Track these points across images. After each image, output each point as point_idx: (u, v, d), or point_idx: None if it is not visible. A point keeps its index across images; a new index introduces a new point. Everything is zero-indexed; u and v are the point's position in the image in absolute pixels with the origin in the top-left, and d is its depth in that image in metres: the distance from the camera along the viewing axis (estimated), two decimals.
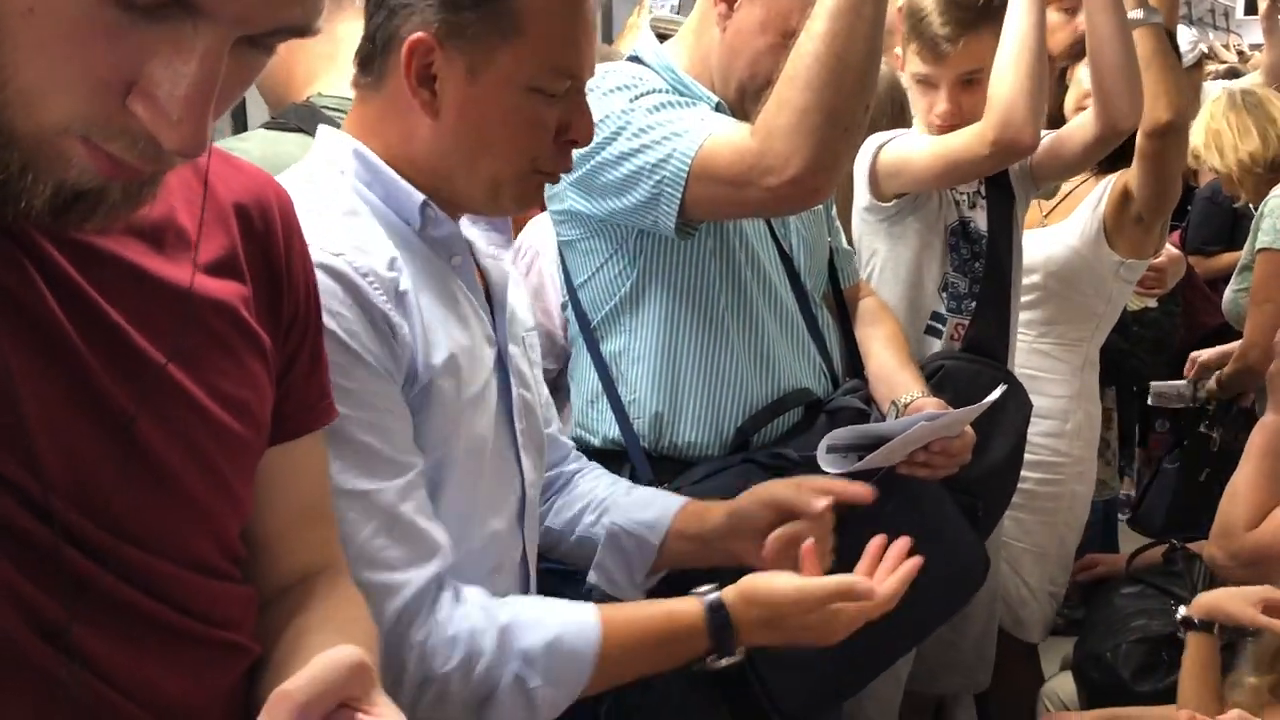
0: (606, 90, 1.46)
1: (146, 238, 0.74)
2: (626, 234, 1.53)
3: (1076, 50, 2.45)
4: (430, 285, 1.12)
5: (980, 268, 2.10)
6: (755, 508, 1.31)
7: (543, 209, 1.79)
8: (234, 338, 0.80)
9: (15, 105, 0.58)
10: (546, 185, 1.55)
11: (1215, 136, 3.08)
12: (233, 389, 0.79)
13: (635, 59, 1.62)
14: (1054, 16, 2.63)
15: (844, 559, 1.53)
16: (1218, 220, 3.48)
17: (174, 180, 0.77)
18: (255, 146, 1.44)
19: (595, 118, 1.42)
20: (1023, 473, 2.34)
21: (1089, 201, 2.38)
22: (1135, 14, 2.08)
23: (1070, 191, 2.47)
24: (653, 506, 1.38)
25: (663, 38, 1.64)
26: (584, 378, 1.63)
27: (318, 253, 0.97)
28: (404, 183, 1.12)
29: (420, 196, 1.12)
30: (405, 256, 1.10)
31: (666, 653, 1.17)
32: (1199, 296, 3.17)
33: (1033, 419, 2.33)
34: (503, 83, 1.08)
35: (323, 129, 1.19)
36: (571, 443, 1.49)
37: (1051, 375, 2.42)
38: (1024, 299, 2.37)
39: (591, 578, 1.39)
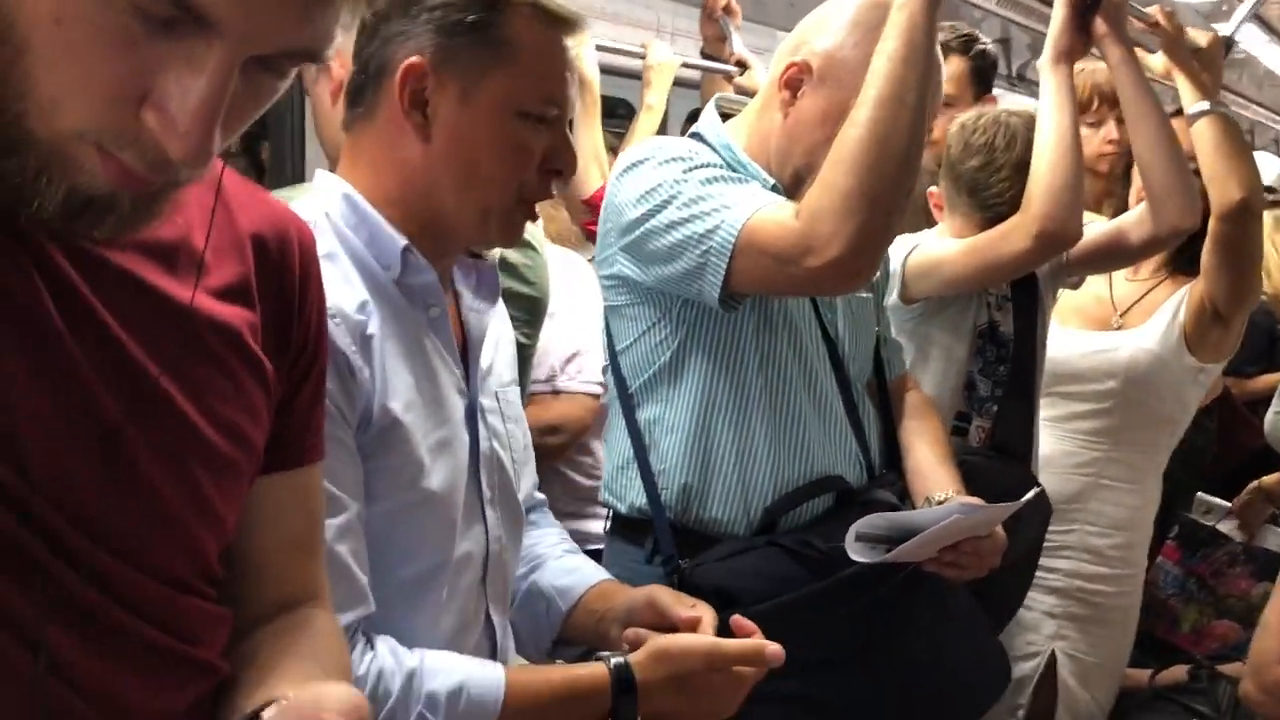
0: (662, 160, 1.43)
1: (158, 256, 0.73)
2: (672, 302, 1.48)
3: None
4: (399, 333, 1.10)
5: (1005, 371, 2.01)
6: (641, 604, 1.26)
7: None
8: (235, 362, 0.78)
9: (35, 111, 0.59)
10: (597, 250, 1.54)
11: (1264, 259, 3.00)
12: (228, 412, 0.77)
13: (696, 135, 1.59)
14: (1083, 130, 2.59)
15: (869, 650, 1.47)
16: (1256, 341, 3.35)
17: (193, 203, 0.76)
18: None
19: (649, 185, 1.41)
20: (1097, 585, 2.28)
21: (1168, 308, 2.27)
22: (1200, 105, 2.03)
23: (1145, 294, 2.35)
24: (574, 574, 1.34)
25: (726, 117, 1.61)
26: (616, 442, 1.57)
27: None
28: (388, 226, 1.11)
29: (402, 241, 1.10)
30: (377, 302, 1.09)
31: (569, 712, 1.13)
32: (1238, 419, 3.04)
33: (1108, 531, 2.28)
34: (494, 107, 1.09)
35: (320, 172, 1.19)
36: (537, 498, 1.44)
37: (1129, 485, 2.30)
38: (1097, 406, 2.27)
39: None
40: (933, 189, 2.08)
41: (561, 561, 1.37)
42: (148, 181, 0.63)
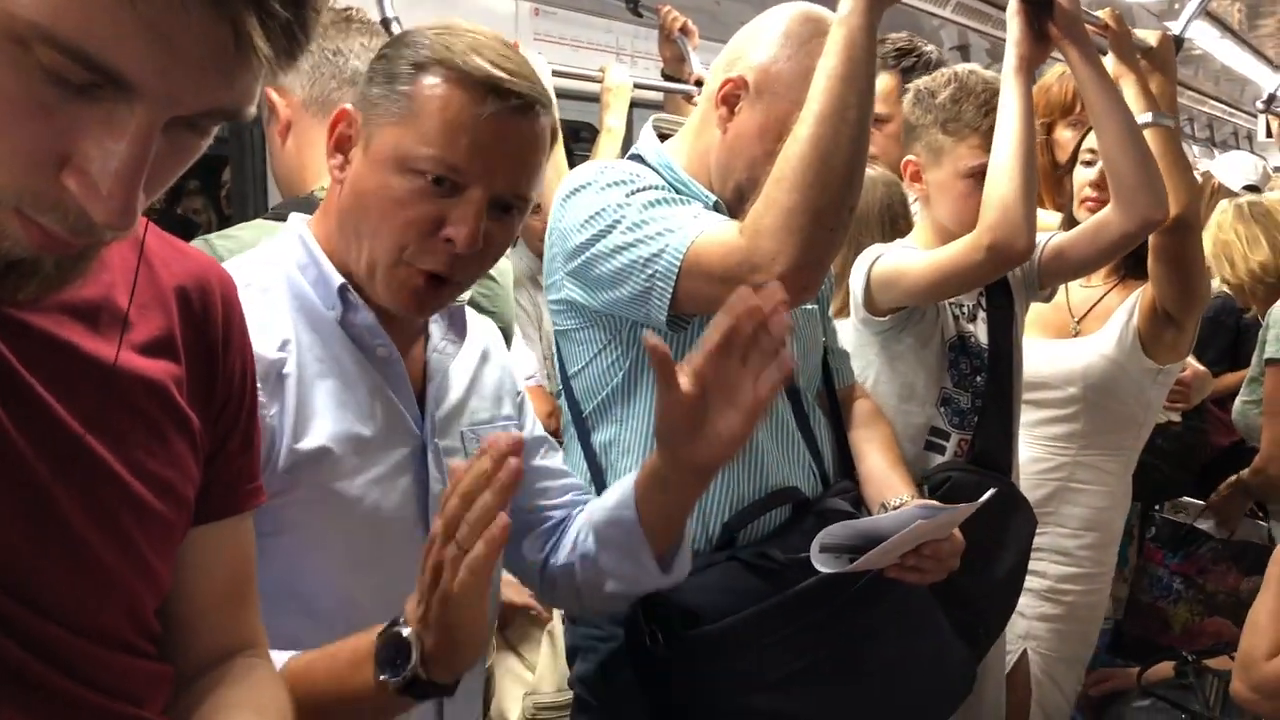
0: (604, 185, 1.45)
1: (80, 315, 0.74)
2: (621, 325, 1.50)
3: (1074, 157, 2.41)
4: (334, 372, 1.12)
5: (981, 382, 2.01)
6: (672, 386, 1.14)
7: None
8: (162, 417, 0.79)
9: None
10: (546, 275, 1.55)
11: (1225, 248, 3.02)
12: (157, 467, 0.77)
13: (636, 157, 1.60)
14: (1066, 133, 2.61)
15: (833, 660, 1.47)
16: (1221, 339, 3.37)
17: (116, 260, 0.76)
18: (248, 233, 1.45)
19: (592, 210, 1.42)
20: (1066, 585, 2.30)
21: (1122, 311, 2.31)
22: (1144, 117, 2.03)
23: (1100, 300, 2.39)
24: (617, 490, 1.29)
25: (664, 137, 1.63)
26: (574, 467, 1.57)
27: None
28: (329, 267, 1.15)
29: (338, 280, 1.13)
30: (312, 341, 1.11)
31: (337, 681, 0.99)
32: (1209, 416, 3.06)
33: (1078, 532, 2.31)
34: (382, 157, 1.11)
35: (295, 216, 1.22)
36: (573, 480, 1.42)
37: (1099, 487, 2.33)
38: (1062, 412, 2.30)
39: (609, 587, 1.30)
40: (909, 158, 2.03)
41: (602, 498, 1.33)
42: (70, 244, 0.63)
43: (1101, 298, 2.39)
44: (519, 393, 1.38)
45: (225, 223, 3.04)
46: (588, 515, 1.34)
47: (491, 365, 1.35)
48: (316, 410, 1.09)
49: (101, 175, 0.59)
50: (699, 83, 2.98)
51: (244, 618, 0.92)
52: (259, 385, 1.03)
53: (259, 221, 1.50)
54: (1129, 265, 2.31)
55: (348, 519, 1.11)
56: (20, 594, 0.69)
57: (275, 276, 1.13)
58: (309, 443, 1.08)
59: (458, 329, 1.26)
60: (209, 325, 0.85)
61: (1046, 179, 2.62)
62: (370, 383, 1.15)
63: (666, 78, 3.06)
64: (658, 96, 3.05)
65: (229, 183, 3.07)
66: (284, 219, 1.44)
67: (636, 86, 2.80)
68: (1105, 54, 2.09)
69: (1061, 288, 2.38)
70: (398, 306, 1.14)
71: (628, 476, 1.31)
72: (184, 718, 0.81)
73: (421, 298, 1.13)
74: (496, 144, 1.10)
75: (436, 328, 1.25)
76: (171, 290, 0.82)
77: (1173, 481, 2.86)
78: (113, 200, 0.60)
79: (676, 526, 1.28)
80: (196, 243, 1.43)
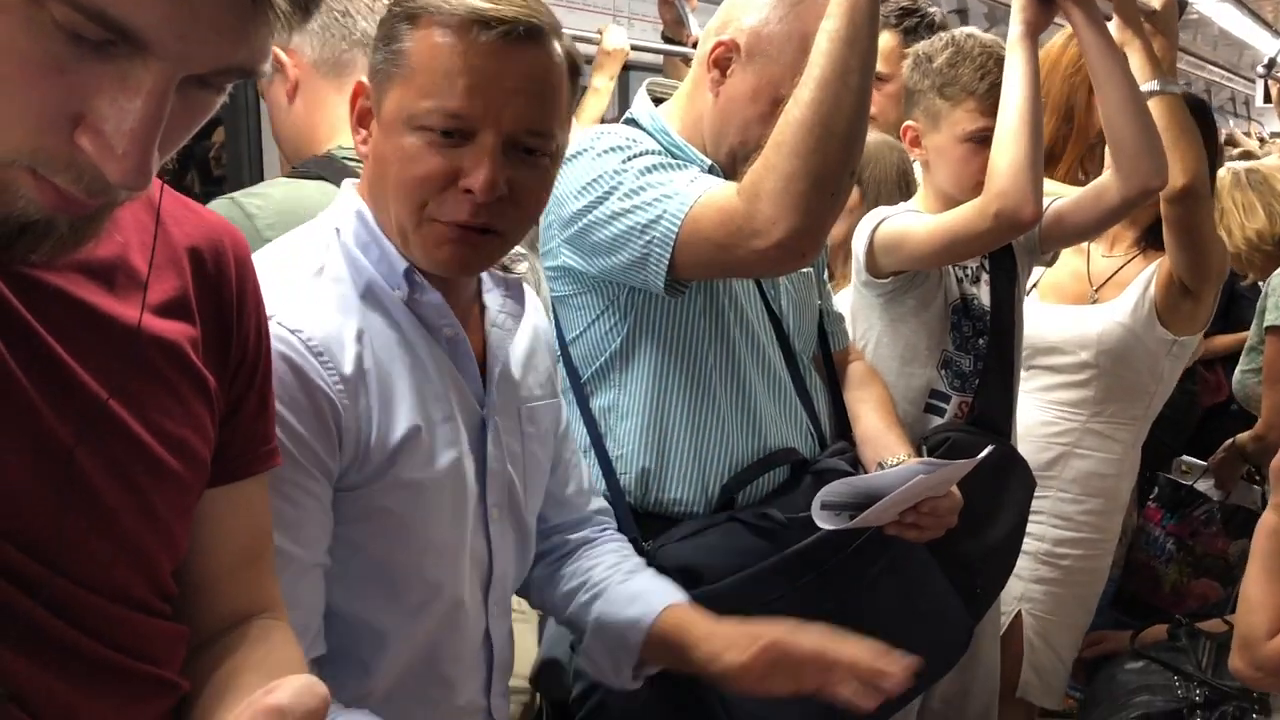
0: (601, 151, 1.46)
1: (96, 275, 0.74)
2: (618, 290, 1.52)
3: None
4: (408, 357, 1.11)
5: (983, 344, 2.03)
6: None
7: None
8: (179, 378, 0.79)
9: None
10: (542, 241, 1.55)
11: (1222, 215, 3.02)
12: (174, 428, 0.78)
13: (631, 121, 1.62)
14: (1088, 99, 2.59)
15: (832, 618, 1.49)
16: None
17: (129, 220, 0.77)
18: (278, 191, 1.45)
19: (589, 177, 1.43)
20: (1065, 549, 2.34)
21: (1140, 281, 2.32)
22: (1150, 85, 2.03)
23: (1120, 268, 2.40)
24: (638, 603, 1.30)
25: (658, 101, 1.63)
26: (573, 432, 1.59)
27: (275, 327, 0.97)
28: (392, 248, 1.12)
29: (404, 263, 1.11)
30: (382, 324, 1.10)
31: None
32: (1195, 377, 3.08)
33: (1080, 498, 2.34)
34: (392, 120, 1.08)
35: (348, 183, 1.19)
36: (591, 510, 1.44)
37: (1107, 454, 2.35)
38: (1075, 378, 2.33)
39: (579, 662, 1.37)
40: (908, 123, 2.03)
41: (625, 587, 1.33)
42: (85, 205, 0.63)
43: (1121, 267, 2.40)
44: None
45: (211, 182, 3.05)
46: (600, 589, 1.33)
47: (542, 346, 1.34)
48: (400, 396, 1.09)
49: (116, 134, 0.59)
50: (697, 45, 2.97)
51: (260, 581, 0.92)
52: (339, 387, 1.05)
53: (285, 179, 1.49)
54: (1150, 236, 2.33)
55: (429, 500, 1.12)
56: (43, 555, 0.70)
57: (338, 261, 1.12)
58: (399, 429, 1.08)
59: (516, 300, 1.23)
60: (223, 285, 0.85)
61: (1082, 141, 2.57)
62: (440, 364, 1.14)
63: (666, 40, 3.06)
64: (657, 59, 3.04)
65: (218, 142, 3.07)
66: (310, 178, 1.45)
67: (634, 49, 2.80)
68: (1110, 18, 2.09)
69: (1083, 256, 2.42)
70: (439, 266, 1.11)
71: (657, 598, 1.30)
72: (200, 679, 0.82)
73: (459, 251, 1.10)
74: (495, 80, 1.05)
75: (493, 299, 1.22)
76: (184, 250, 0.82)
77: (1167, 446, 2.88)
78: (128, 159, 0.60)
79: (665, 666, 1.31)
80: (222, 201, 1.43)
